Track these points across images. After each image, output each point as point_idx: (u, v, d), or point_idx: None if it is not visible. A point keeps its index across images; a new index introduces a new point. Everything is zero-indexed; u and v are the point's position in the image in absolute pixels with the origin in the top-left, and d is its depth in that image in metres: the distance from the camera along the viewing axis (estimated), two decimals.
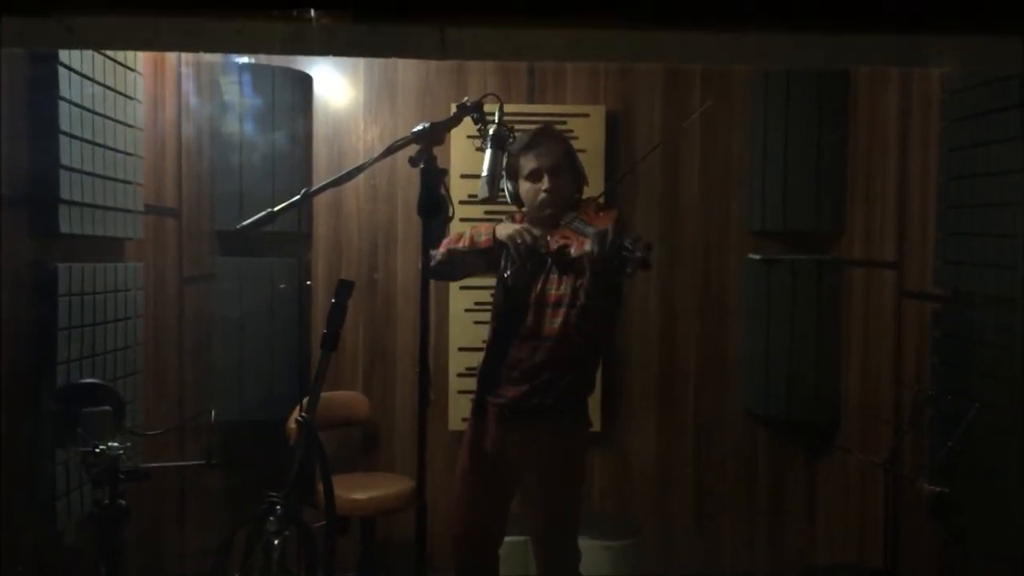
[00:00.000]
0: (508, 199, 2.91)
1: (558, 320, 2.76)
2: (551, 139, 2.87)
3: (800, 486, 4.19)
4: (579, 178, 2.90)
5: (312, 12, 1.44)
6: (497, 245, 2.80)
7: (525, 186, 2.84)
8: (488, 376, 2.89)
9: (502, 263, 2.82)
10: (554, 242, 2.74)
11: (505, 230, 2.78)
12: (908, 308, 3.39)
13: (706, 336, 4.20)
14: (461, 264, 2.91)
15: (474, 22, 1.40)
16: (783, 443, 4.19)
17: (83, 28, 1.46)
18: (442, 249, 2.87)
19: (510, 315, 2.85)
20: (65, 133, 2.58)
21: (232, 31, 1.47)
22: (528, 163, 2.81)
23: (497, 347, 2.88)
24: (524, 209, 2.91)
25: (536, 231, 2.76)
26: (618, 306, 2.89)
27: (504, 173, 2.82)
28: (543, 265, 2.83)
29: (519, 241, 2.72)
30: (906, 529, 3.17)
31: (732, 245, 4.17)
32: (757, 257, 4.00)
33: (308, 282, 4.03)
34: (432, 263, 2.76)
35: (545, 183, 2.79)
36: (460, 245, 2.86)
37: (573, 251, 2.66)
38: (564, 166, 2.83)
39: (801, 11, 1.51)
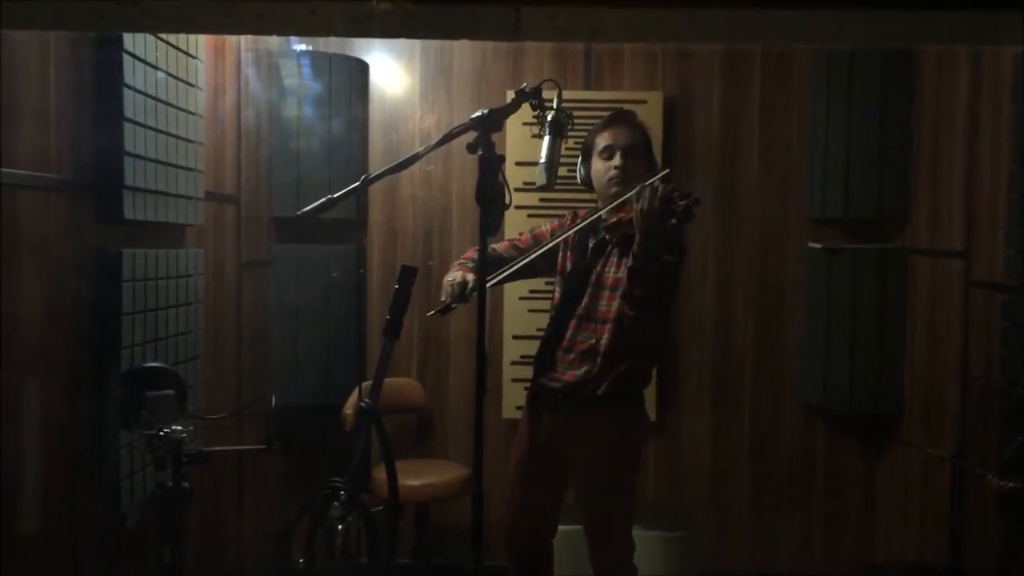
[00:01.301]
0: (579, 181, 2.90)
1: (615, 302, 2.73)
2: (629, 122, 2.85)
3: (860, 480, 4.10)
4: (652, 165, 2.87)
5: None
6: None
7: (597, 164, 2.82)
8: (544, 360, 2.87)
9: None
10: (613, 217, 2.73)
11: (448, 276, 2.84)
12: (976, 298, 3.29)
13: (764, 326, 4.14)
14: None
15: (552, 0, 1.36)
16: (842, 436, 4.11)
17: (160, 11, 1.47)
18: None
19: (568, 298, 2.83)
20: (129, 120, 2.61)
21: (305, 12, 1.47)
22: (603, 140, 2.81)
23: (555, 331, 2.86)
24: (594, 191, 2.88)
25: (469, 277, 2.76)
26: (672, 281, 2.78)
27: (580, 156, 2.87)
28: (603, 247, 2.81)
29: (449, 281, 2.77)
30: (973, 526, 3.09)
31: (791, 233, 4.09)
32: (818, 246, 3.92)
33: (361, 270, 4.04)
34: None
35: (617, 160, 2.77)
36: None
37: (629, 217, 2.62)
38: (638, 149, 2.81)
39: None
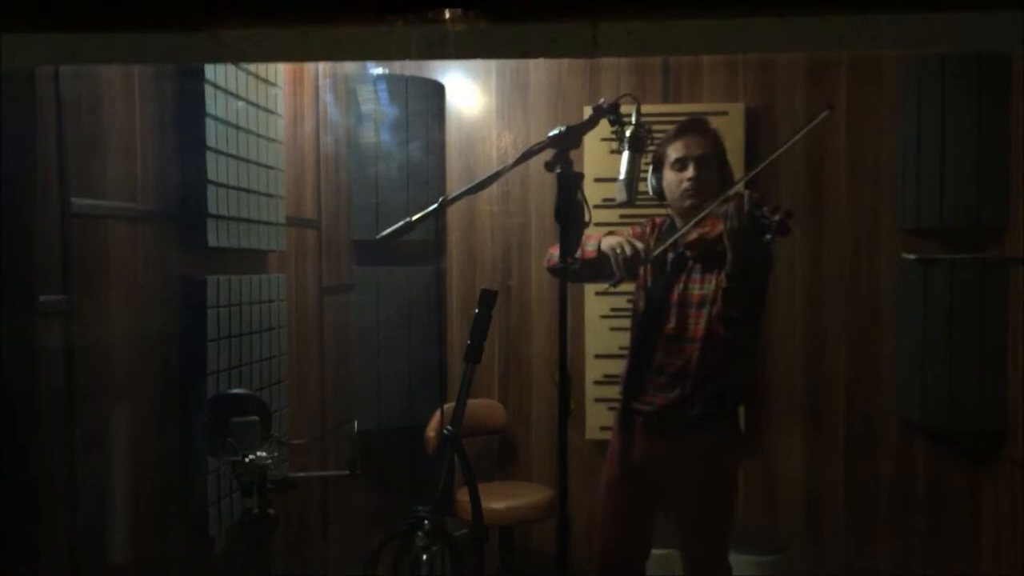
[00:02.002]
0: (650, 192, 2.82)
1: (703, 320, 2.65)
2: (701, 131, 2.76)
3: (963, 502, 3.90)
4: (726, 175, 2.78)
5: (447, 14, 1.40)
6: (601, 257, 2.69)
7: (669, 175, 2.75)
8: (633, 383, 2.80)
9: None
10: (693, 232, 2.64)
11: (608, 242, 2.68)
12: None
13: (857, 340, 3.98)
14: (573, 274, 2.80)
15: (630, 15, 1.31)
16: (943, 455, 3.92)
17: (234, 42, 1.47)
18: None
19: (653, 318, 2.76)
20: (212, 149, 2.65)
21: (380, 36, 1.45)
22: (675, 152, 2.73)
23: (641, 352, 2.79)
24: (666, 202, 2.81)
25: (639, 244, 2.64)
26: (762, 296, 2.73)
27: (651, 166, 2.78)
28: (684, 263, 2.74)
29: (619, 252, 2.62)
30: None
31: (883, 243, 3.94)
32: (912, 257, 3.77)
33: (441, 265, 4.01)
34: (548, 264, 2.77)
35: (690, 171, 2.69)
36: (583, 253, 2.76)
37: (714, 232, 2.55)
38: (711, 159, 2.72)
39: None
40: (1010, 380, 3.62)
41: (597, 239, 2.73)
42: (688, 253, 2.71)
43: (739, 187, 2.63)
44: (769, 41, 1.48)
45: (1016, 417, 3.59)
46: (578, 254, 2.73)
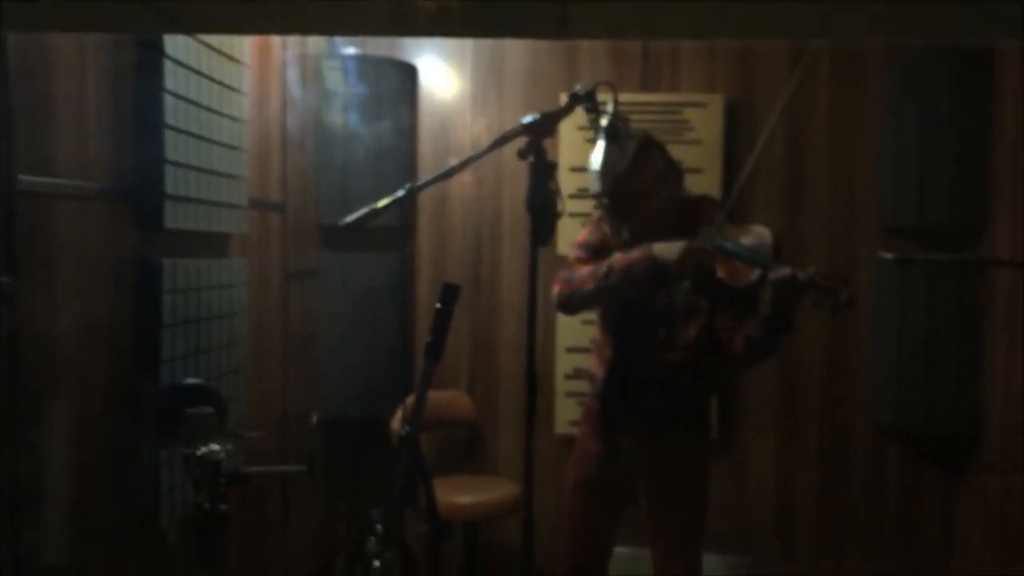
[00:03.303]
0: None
1: (692, 329, 2.61)
2: (640, 167, 2.58)
3: (936, 507, 3.87)
4: (677, 179, 2.65)
5: None
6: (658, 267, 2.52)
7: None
8: (612, 383, 2.75)
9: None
10: (721, 271, 2.48)
11: (667, 252, 2.50)
12: None
13: (832, 341, 3.93)
14: (612, 297, 2.65)
15: None
16: (917, 459, 3.88)
17: (174, 11, 1.37)
18: (586, 284, 2.59)
19: (635, 323, 2.70)
20: (170, 127, 2.54)
21: (331, 10, 1.36)
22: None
23: (622, 353, 2.73)
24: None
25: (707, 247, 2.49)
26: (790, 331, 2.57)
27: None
28: (681, 280, 2.63)
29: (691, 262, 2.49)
30: None
31: (862, 242, 3.89)
32: (889, 256, 3.72)
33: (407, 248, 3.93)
34: (571, 300, 2.62)
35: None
36: (609, 279, 2.56)
37: (739, 279, 2.44)
38: (654, 189, 2.59)
39: None
40: (986, 386, 3.59)
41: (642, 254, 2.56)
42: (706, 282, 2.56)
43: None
44: (750, 26, 1.41)
45: (991, 423, 3.56)
46: (614, 279, 2.57)
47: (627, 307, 2.71)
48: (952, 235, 3.71)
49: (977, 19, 1.46)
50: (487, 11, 1.35)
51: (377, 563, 1.93)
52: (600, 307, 2.80)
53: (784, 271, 2.34)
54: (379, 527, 1.97)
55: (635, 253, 2.52)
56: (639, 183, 2.55)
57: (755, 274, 2.40)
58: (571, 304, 2.65)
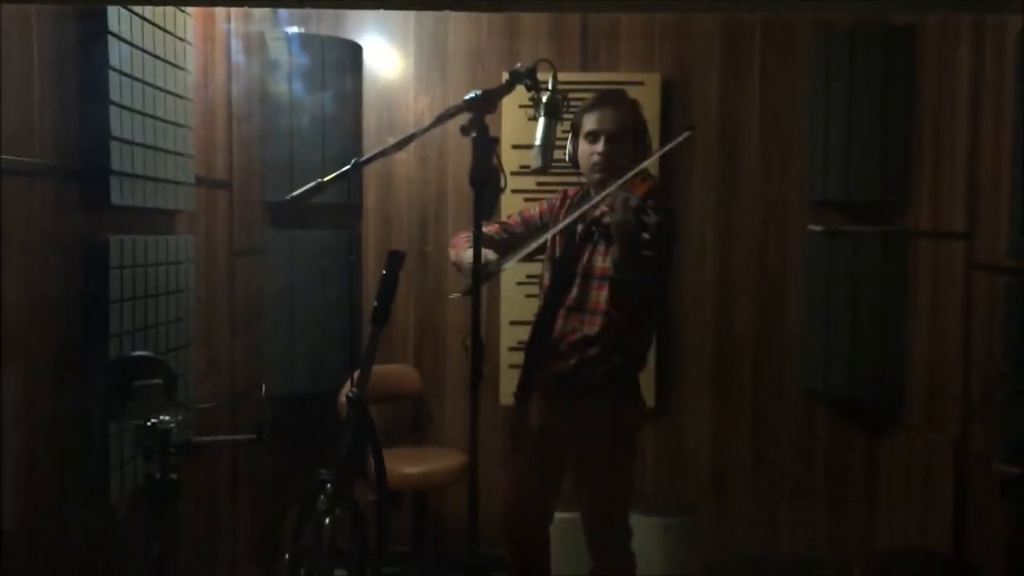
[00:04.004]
0: (567, 160, 2.84)
1: (604, 293, 2.70)
2: (618, 105, 2.78)
3: (861, 467, 4.08)
4: (643, 150, 2.79)
5: None
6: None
7: (582, 146, 2.78)
8: (535, 350, 2.84)
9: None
10: (599, 210, 2.67)
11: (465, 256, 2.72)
12: (979, 281, 3.26)
13: (764, 311, 4.10)
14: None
15: None
16: (844, 422, 4.09)
17: None
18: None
19: (558, 287, 2.80)
20: (115, 103, 2.55)
21: None
22: (588, 123, 2.75)
23: (544, 320, 2.82)
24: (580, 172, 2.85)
25: (491, 255, 2.67)
26: (662, 280, 2.81)
27: (569, 133, 2.81)
28: (591, 235, 2.77)
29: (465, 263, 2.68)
30: (976, 513, 3.06)
31: (792, 216, 4.06)
32: (818, 229, 3.88)
33: (351, 256, 3.99)
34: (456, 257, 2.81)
35: (600, 146, 2.72)
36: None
37: (606, 218, 2.59)
38: (625, 134, 2.74)
39: None
40: (908, 351, 3.78)
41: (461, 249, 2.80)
42: (594, 228, 2.74)
43: (633, 173, 2.62)
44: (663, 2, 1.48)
45: (913, 387, 3.75)
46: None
47: (553, 271, 2.84)
48: (877, 208, 3.88)
49: None
50: None
51: (327, 520, 2.00)
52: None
53: (620, 193, 2.47)
54: (329, 486, 2.04)
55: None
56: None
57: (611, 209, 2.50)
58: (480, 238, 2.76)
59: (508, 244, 2.89)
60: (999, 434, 2.94)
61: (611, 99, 2.79)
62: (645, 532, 3.14)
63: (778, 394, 4.11)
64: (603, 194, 2.56)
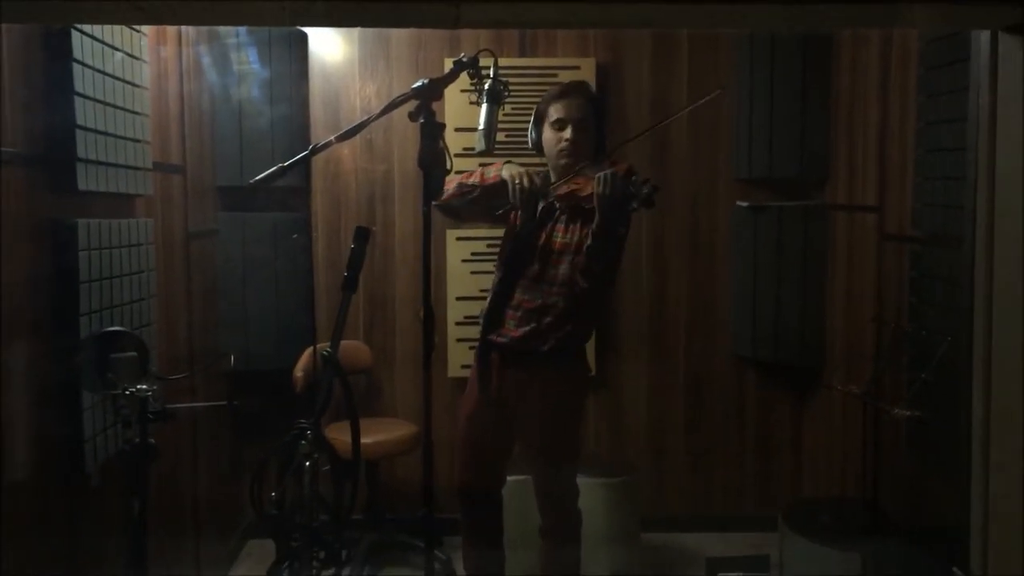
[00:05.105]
0: (529, 145, 3.04)
1: (562, 267, 2.88)
2: (583, 94, 2.96)
3: (787, 424, 4.36)
4: (601, 138, 2.99)
5: None
6: (501, 183, 2.90)
7: (548, 133, 2.95)
8: (493, 317, 3.00)
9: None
10: (565, 188, 2.86)
11: (510, 170, 2.89)
12: (888, 250, 3.53)
13: (696, 282, 4.34)
14: (469, 201, 2.99)
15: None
16: (771, 384, 4.36)
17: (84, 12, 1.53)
18: (452, 184, 2.97)
19: (518, 259, 2.96)
20: (80, 94, 2.67)
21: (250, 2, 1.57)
22: (556, 111, 2.92)
23: (503, 289, 2.99)
24: (543, 156, 3.04)
25: (539, 178, 2.86)
26: (620, 253, 3.00)
27: (532, 120, 2.99)
28: (552, 213, 2.95)
29: (518, 182, 2.83)
30: (885, 459, 3.34)
31: (721, 193, 4.29)
32: (744, 204, 4.13)
33: (294, 235, 4.13)
34: (443, 197, 2.91)
35: (568, 133, 2.89)
36: (471, 180, 2.98)
37: (584, 191, 2.78)
38: (589, 123, 2.93)
39: None
40: (828, 316, 4.05)
41: (499, 166, 2.93)
42: (557, 204, 2.94)
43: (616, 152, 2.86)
44: (594, 21, 1.68)
45: (833, 349, 4.03)
46: (476, 180, 2.95)
47: (513, 244, 3.00)
48: (798, 185, 4.15)
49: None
50: (389, 7, 1.57)
51: (307, 464, 2.16)
52: (464, 216, 3.19)
53: (604, 169, 2.68)
54: (309, 432, 2.21)
55: (497, 163, 2.95)
56: None
57: (599, 183, 2.69)
58: (446, 207, 2.99)
59: (472, 200, 3.03)
60: (903, 385, 3.21)
61: (577, 89, 2.97)
62: (588, 492, 3.28)
63: (711, 360, 4.36)
64: (570, 176, 2.82)
